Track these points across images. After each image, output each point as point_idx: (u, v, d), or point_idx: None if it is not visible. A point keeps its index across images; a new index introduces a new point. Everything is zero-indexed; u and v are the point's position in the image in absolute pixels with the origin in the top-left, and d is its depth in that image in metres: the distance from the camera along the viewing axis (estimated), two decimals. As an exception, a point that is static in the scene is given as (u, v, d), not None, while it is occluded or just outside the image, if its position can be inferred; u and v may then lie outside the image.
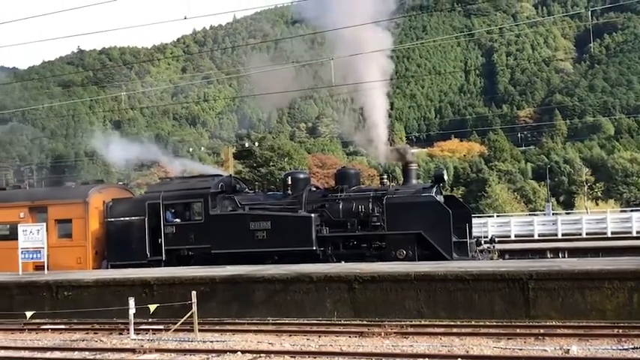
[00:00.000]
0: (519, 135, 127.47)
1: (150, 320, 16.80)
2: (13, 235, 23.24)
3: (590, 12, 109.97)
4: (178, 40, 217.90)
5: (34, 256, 21.80)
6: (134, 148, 28.74)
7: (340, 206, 21.56)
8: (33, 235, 21.62)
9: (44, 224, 22.35)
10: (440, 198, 21.25)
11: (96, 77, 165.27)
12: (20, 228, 22.05)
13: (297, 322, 16.15)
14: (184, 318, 15.32)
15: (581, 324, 13.92)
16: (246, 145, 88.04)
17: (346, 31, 21.55)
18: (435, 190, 21.06)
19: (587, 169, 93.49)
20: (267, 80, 26.98)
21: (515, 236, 39.58)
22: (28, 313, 17.00)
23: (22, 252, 21.72)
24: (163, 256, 22.98)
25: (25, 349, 14.78)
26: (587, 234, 38.47)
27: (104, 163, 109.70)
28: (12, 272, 22.14)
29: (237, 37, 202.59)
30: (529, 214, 62.38)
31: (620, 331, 13.27)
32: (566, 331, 13.52)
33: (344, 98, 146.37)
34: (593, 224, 39.80)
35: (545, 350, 11.99)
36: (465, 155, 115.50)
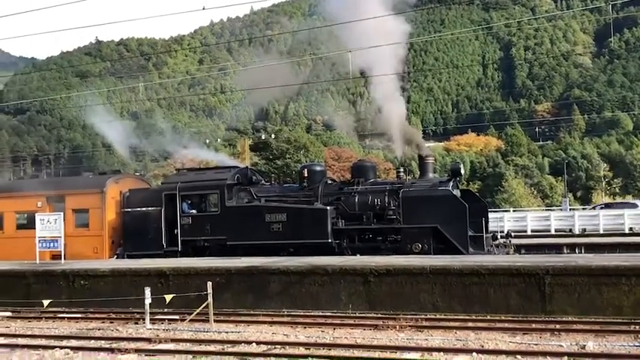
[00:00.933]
0: (537, 130, 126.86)
1: (165, 310, 16.87)
2: (30, 224, 23.43)
3: (610, 6, 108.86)
4: (196, 31, 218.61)
5: (51, 245, 21.95)
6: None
7: (356, 199, 21.53)
8: (50, 225, 21.77)
9: (61, 214, 22.51)
10: (456, 192, 21.15)
11: (113, 68, 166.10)
12: (38, 217, 22.22)
13: (312, 314, 16.16)
14: (200, 308, 15.38)
15: (597, 320, 13.84)
16: (263, 137, 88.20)
17: (367, 22, 21.43)
18: (451, 184, 20.98)
19: (605, 165, 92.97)
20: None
21: (532, 231, 39.37)
22: (45, 302, 17.13)
23: (39, 241, 21.88)
24: (179, 246, 23.07)
25: (41, 337, 14.92)
26: (604, 230, 38.19)
27: (121, 154, 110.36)
28: (29, 261, 22.32)
29: (254, 29, 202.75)
30: (545, 209, 62.04)
31: (637, 327, 13.14)
32: (582, 326, 13.44)
33: (360, 91, 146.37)
34: (610, 220, 39.49)
35: (561, 346, 11.92)
36: (481, 149, 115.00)
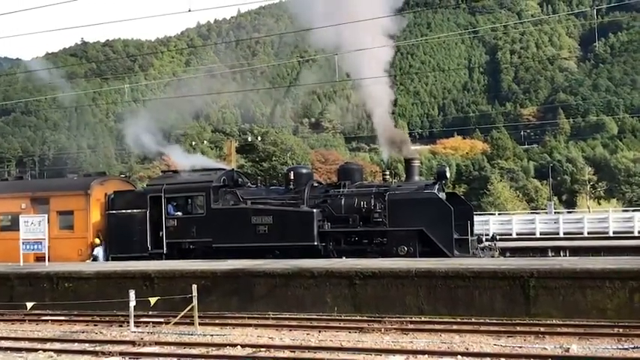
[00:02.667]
0: (522, 133, 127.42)
1: (150, 313, 16.81)
2: (14, 226, 23.26)
3: (595, 11, 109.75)
4: (182, 33, 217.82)
5: (35, 247, 21.79)
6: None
7: (342, 202, 21.56)
8: (34, 227, 21.62)
9: (46, 216, 22.37)
10: (442, 195, 21.21)
11: (99, 69, 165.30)
12: (22, 219, 22.06)
13: (297, 317, 16.15)
14: (185, 311, 15.32)
15: (581, 323, 13.89)
16: (249, 139, 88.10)
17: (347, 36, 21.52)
18: (437, 187, 21.04)
19: (590, 169, 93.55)
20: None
21: (517, 234, 39.52)
22: (29, 304, 16.99)
23: (23, 243, 21.72)
24: (164, 249, 23.00)
25: (25, 339, 14.80)
26: (589, 233, 38.40)
27: (106, 155, 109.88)
28: (13, 263, 22.16)
29: (241, 32, 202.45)
30: (531, 213, 62.32)
31: (621, 330, 13.24)
32: (566, 329, 13.50)
33: (347, 94, 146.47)
34: (595, 223, 39.70)
35: (545, 349, 11.97)
36: (467, 153, 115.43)
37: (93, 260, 23.71)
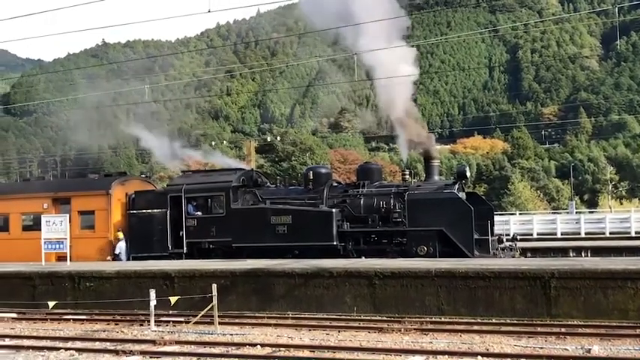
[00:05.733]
0: (543, 132, 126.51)
1: (170, 312, 16.89)
2: (36, 226, 23.47)
3: (617, 9, 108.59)
4: (202, 33, 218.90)
5: (57, 246, 21.97)
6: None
7: (361, 202, 21.52)
8: (56, 226, 21.80)
9: (67, 215, 22.55)
10: (462, 195, 21.10)
11: (120, 70, 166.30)
12: (43, 219, 22.26)
13: (316, 316, 16.16)
14: (205, 311, 15.37)
15: (602, 324, 13.78)
16: (269, 139, 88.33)
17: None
18: (457, 186, 20.93)
19: (612, 168, 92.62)
20: None
21: (538, 234, 39.30)
22: (51, 303, 17.16)
23: (44, 242, 21.91)
24: (184, 248, 23.10)
25: (47, 338, 14.94)
26: (610, 233, 38.09)
27: (127, 155, 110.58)
28: (35, 262, 22.36)
29: (260, 32, 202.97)
30: (552, 213, 61.91)
31: (643, 331, 13.12)
32: (587, 330, 13.40)
33: (366, 94, 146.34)
34: (616, 223, 39.38)
35: (566, 349, 11.88)
36: (487, 152, 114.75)
37: (115, 256, 23.84)
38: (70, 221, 22.49)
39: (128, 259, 23.69)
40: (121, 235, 24.00)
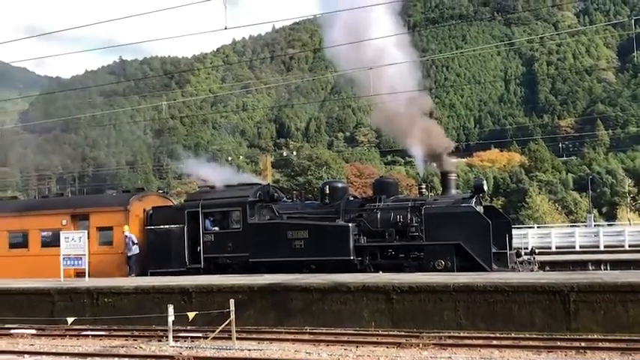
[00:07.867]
0: (560, 145, 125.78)
1: (188, 328, 16.90)
2: (55, 242, 23.62)
3: (633, 21, 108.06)
4: (218, 50, 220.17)
5: (76, 262, 22.12)
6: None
7: (378, 216, 21.49)
8: (74, 242, 21.96)
9: (85, 232, 22.71)
10: (479, 208, 21.03)
11: (137, 87, 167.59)
12: (62, 235, 22.44)
13: (334, 331, 16.10)
14: (222, 326, 15.37)
15: (623, 337, 13.65)
16: (285, 154, 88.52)
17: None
18: (474, 200, 20.86)
19: (630, 180, 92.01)
20: None
21: (556, 247, 39.04)
22: (69, 319, 17.25)
23: (63, 258, 22.07)
24: (202, 263, 23.16)
25: (66, 354, 15.00)
26: (630, 246, 37.76)
27: (144, 172, 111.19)
28: (54, 278, 22.49)
29: (275, 47, 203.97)
30: (570, 226, 61.50)
31: (665, 345, 12.97)
32: (608, 344, 13.27)
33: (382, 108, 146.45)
34: (636, 236, 39.05)
35: (586, 364, 11.78)
36: (504, 165, 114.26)
37: (129, 256, 23.93)
38: (88, 237, 22.65)
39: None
40: (126, 227, 24.01)
